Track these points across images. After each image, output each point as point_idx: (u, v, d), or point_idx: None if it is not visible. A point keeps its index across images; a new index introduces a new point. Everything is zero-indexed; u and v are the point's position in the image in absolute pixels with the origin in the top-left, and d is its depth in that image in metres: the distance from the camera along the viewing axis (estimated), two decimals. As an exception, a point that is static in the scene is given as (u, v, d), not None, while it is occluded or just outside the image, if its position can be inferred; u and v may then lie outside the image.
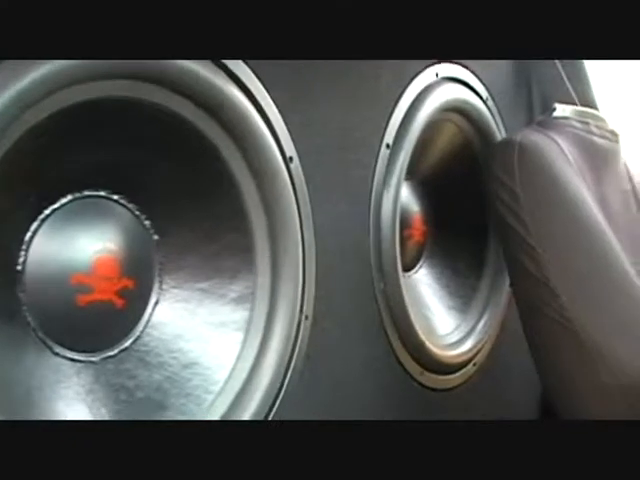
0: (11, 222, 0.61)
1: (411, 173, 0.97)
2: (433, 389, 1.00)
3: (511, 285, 1.02)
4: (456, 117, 1.03)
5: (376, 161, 0.89)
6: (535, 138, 0.97)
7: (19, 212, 0.62)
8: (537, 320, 0.94)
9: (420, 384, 0.97)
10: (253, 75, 0.71)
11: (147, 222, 0.70)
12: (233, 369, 0.69)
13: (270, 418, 0.72)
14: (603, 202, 1.02)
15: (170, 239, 0.70)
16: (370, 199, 0.89)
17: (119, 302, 0.66)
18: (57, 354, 0.64)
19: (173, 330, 0.70)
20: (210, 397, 0.68)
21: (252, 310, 0.71)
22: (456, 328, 1.07)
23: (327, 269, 0.80)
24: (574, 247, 0.95)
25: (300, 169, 0.76)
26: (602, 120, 1.10)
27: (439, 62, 0.98)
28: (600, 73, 1.19)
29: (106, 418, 0.64)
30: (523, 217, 0.93)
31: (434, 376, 0.99)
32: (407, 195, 1.04)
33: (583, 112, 1.09)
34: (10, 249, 0.62)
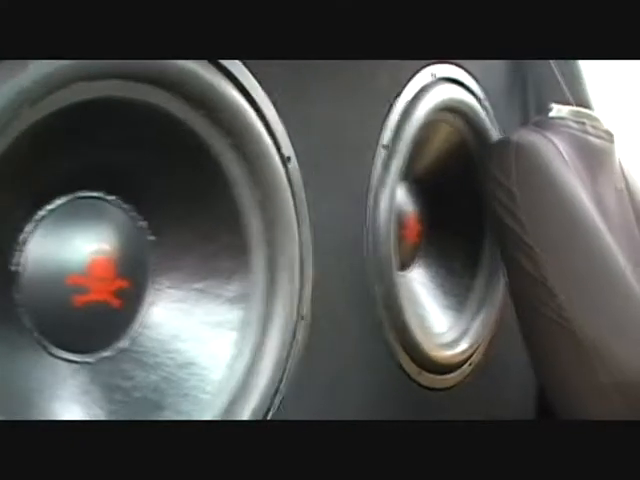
0: (6, 222, 0.61)
1: (407, 173, 0.97)
2: (430, 389, 1.00)
3: (508, 285, 1.02)
4: (452, 117, 1.03)
5: (373, 161, 0.89)
6: (532, 138, 0.98)
7: (14, 213, 0.62)
8: (534, 320, 0.94)
9: (417, 384, 0.98)
10: (250, 75, 0.71)
11: (143, 223, 0.69)
12: (230, 369, 0.69)
13: (267, 419, 0.72)
14: (599, 201, 1.03)
15: (166, 240, 0.70)
16: (367, 199, 0.89)
17: (115, 303, 0.66)
18: (53, 355, 0.64)
19: (169, 330, 0.70)
20: (207, 397, 0.67)
21: (248, 310, 0.71)
22: (452, 328, 1.07)
23: (324, 269, 0.80)
24: (571, 246, 0.95)
25: (297, 169, 0.76)
26: (597, 120, 1.11)
27: (435, 63, 0.98)
28: (595, 73, 1.19)
29: (102, 419, 0.64)
30: (520, 217, 0.93)
31: (431, 376, 1.00)
32: (403, 195, 1.04)
33: (579, 112, 1.09)
34: (5, 250, 0.61)
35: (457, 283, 1.10)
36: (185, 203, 0.70)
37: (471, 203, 1.07)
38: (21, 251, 0.62)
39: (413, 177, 1.05)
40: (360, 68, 0.85)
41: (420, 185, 1.07)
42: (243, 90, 0.70)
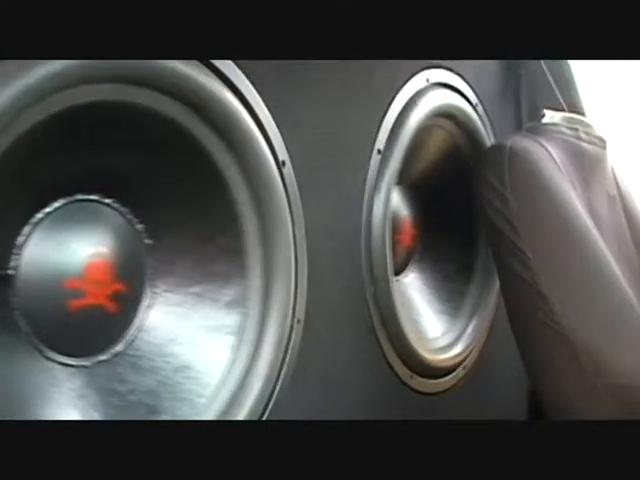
0: (3, 226, 0.61)
1: (402, 178, 0.98)
2: (423, 393, 1.00)
3: (501, 289, 1.02)
4: (446, 122, 1.04)
5: (367, 166, 0.90)
6: (525, 144, 0.98)
7: (11, 216, 0.62)
8: (527, 324, 0.94)
9: (410, 388, 0.98)
10: (244, 77, 0.71)
11: (139, 226, 0.70)
12: (226, 373, 0.69)
13: (263, 419, 0.72)
14: (591, 207, 1.03)
15: (162, 243, 0.70)
16: (361, 203, 0.89)
17: (111, 306, 0.66)
18: (49, 358, 0.64)
19: (165, 334, 0.70)
20: (203, 401, 0.67)
21: (244, 314, 0.71)
22: (445, 332, 1.07)
23: (319, 273, 0.80)
24: (564, 251, 0.96)
25: (292, 173, 0.77)
26: (590, 126, 1.11)
27: (429, 67, 0.99)
28: (587, 78, 1.20)
29: (98, 422, 0.64)
30: (513, 222, 0.93)
31: (424, 380, 1.00)
32: (398, 199, 1.05)
33: (571, 119, 1.10)
34: (2, 253, 0.61)
35: (451, 288, 1.10)
36: (181, 206, 0.70)
37: (465, 208, 1.07)
38: (18, 254, 0.62)
39: (408, 182, 1.05)
40: (355, 72, 0.86)
41: (415, 190, 1.07)
42: (237, 92, 0.70)
